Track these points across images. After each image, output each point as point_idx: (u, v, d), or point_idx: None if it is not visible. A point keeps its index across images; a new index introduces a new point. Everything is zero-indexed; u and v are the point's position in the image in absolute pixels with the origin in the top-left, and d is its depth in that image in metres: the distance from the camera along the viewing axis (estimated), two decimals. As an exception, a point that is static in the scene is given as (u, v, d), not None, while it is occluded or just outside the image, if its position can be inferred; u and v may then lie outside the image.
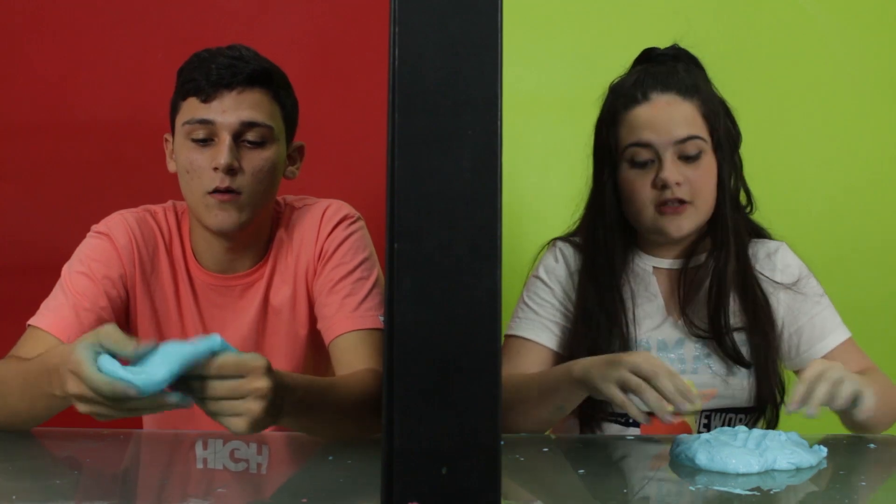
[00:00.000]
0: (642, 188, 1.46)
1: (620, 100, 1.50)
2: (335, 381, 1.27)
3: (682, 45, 1.57)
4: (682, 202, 1.45)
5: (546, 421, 1.42)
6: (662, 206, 1.45)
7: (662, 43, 1.59)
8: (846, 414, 1.36)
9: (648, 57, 1.57)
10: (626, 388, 1.23)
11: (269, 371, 1.02)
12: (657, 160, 1.45)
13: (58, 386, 1.02)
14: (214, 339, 0.99)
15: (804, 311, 1.51)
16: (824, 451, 1.20)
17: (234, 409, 0.99)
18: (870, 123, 2.24)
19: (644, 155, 1.46)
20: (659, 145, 1.45)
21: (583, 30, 2.23)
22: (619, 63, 1.58)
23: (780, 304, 1.52)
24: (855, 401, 1.29)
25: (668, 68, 1.51)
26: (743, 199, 1.56)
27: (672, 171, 1.44)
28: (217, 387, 0.99)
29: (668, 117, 1.46)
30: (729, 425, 1.50)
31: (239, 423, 1.00)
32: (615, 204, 1.51)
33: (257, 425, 1.01)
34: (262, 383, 1.00)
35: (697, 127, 1.46)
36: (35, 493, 1.03)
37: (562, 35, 2.23)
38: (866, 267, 2.22)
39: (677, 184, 1.44)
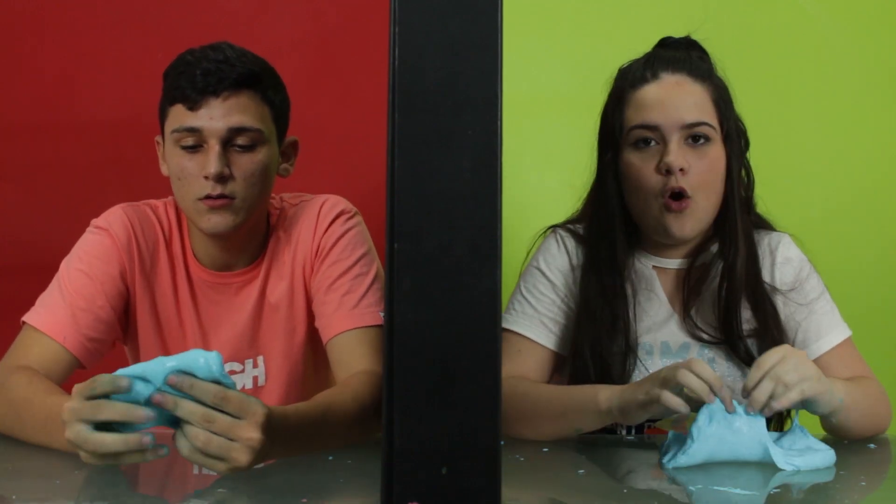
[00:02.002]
0: (647, 174, 1.40)
1: (628, 79, 1.46)
2: (330, 405, 1.21)
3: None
4: (684, 196, 1.38)
5: (556, 437, 1.38)
6: (668, 200, 1.39)
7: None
8: (823, 417, 1.32)
9: (661, 45, 1.53)
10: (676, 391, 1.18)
11: (267, 422, 1.01)
12: (662, 143, 1.40)
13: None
14: (213, 357, 0.98)
15: (798, 313, 1.46)
16: (832, 456, 1.19)
17: (220, 450, 0.98)
18: (870, 123, 2.24)
19: (648, 136, 1.40)
20: (666, 128, 1.39)
21: (583, 30, 2.23)
22: (619, 63, 1.58)
23: (777, 304, 1.47)
24: (810, 404, 1.23)
25: (680, 53, 1.48)
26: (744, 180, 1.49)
27: (678, 154, 1.38)
28: (212, 417, 0.98)
29: (677, 98, 1.41)
30: None
31: (220, 467, 1.00)
32: (617, 192, 1.45)
33: (236, 471, 1.00)
34: (256, 434, 0.99)
35: (707, 113, 1.41)
36: (35, 493, 1.03)
37: (562, 35, 2.23)
38: (867, 267, 2.21)
39: (681, 170, 1.37)
